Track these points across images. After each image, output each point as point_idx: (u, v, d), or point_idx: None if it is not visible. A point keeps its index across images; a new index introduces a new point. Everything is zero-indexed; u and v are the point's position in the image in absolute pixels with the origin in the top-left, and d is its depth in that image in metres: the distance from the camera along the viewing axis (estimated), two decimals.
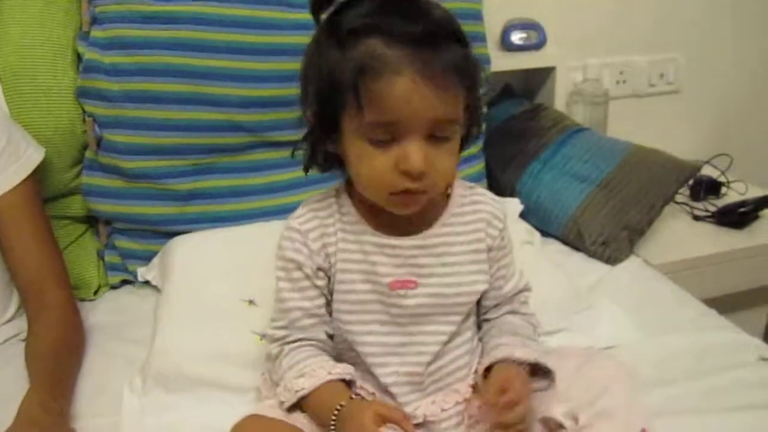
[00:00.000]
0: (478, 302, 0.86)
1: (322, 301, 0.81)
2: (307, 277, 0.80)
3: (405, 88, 0.67)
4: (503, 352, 0.80)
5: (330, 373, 0.77)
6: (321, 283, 0.80)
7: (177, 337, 0.99)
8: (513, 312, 0.88)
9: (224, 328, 0.99)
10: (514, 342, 0.82)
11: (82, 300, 1.19)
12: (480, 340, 0.88)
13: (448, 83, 0.68)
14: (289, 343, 0.81)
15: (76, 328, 1.03)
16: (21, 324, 1.06)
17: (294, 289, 0.80)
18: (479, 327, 0.89)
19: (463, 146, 0.79)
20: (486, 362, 0.81)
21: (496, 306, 0.87)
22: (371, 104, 0.68)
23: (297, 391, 0.76)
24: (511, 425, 0.73)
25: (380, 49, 0.68)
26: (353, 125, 0.71)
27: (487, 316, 0.88)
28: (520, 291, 0.89)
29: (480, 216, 0.83)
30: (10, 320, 1.09)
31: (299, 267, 0.80)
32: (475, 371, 0.83)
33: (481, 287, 0.83)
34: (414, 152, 0.69)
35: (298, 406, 0.78)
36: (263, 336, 0.93)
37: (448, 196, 0.83)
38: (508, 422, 0.73)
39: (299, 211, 0.82)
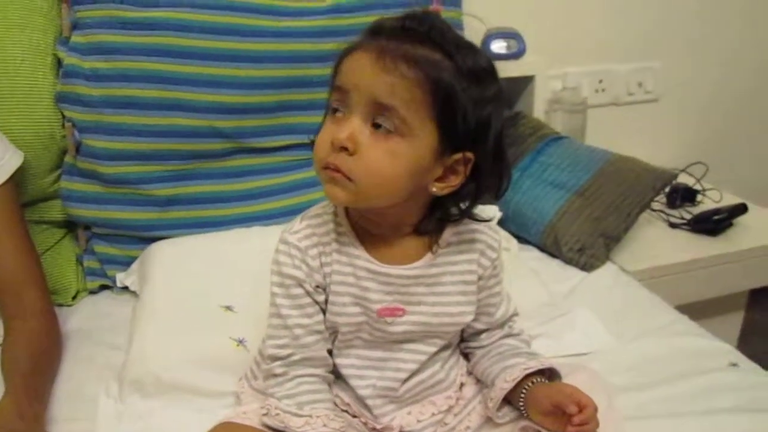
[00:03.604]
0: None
1: (320, 317, 0.79)
2: (307, 293, 0.78)
3: (354, 59, 0.70)
4: (520, 370, 0.80)
5: (325, 426, 0.75)
6: (320, 299, 0.78)
7: (154, 342, 0.99)
8: (507, 335, 0.88)
9: (202, 333, 0.99)
10: (524, 360, 0.82)
11: (60, 305, 1.19)
12: (470, 362, 0.89)
13: (394, 68, 0.67)
14: (294, 364, 0.78)
15: (53, 333, 1.03)
16: None
17: (293, 306, 0.78)
18: (467, 356, 0.90)
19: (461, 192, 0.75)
20: (507, 386, 0.80)
21: (487, 331, 0.88)
22: (336, 73, 0.72)
23: (289, 426, 0.75)
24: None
25: (369, 38, 0.71)
26: (329, 101, 0.73)
27: (482, 342, 0.88)
28: (510, 317, 0.89)
29: (475, 246, 0.82)
30: None
31: (299, 284, 0.77)
32: (490, 399, 0.82)
33: (468, 318, 0.83)
34: (345, 125, 0.69)
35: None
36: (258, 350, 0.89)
37: (440, 228, 0.79)
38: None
39: (297, 225, 0.79)
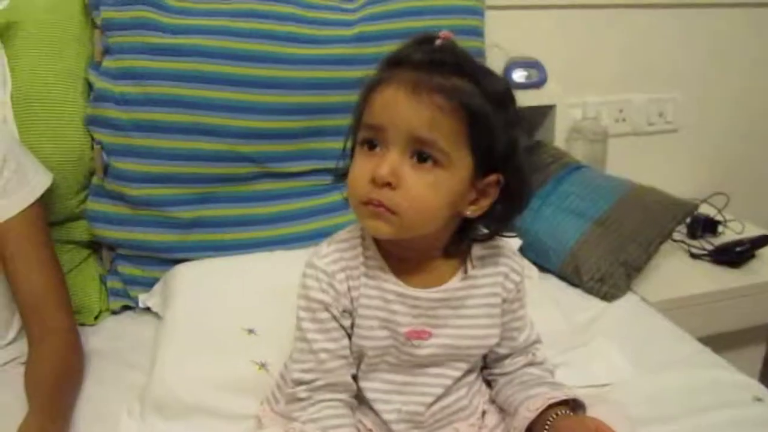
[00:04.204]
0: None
1: (346, 341, 0.79)
2: (334, 318, 0.78)
3: (387, 95, 0.71)
4: (543, 400, 0.80)
5: None
6: (347, 323, 0.79)
7: (176, 364, 0.99)
8: (531, 363, 0.88)
9: (223, 356, 1.00)
10: (548, 390, 0.83)
11: (83, 324, 1.20)
12: (492, 390, 0.89)
13: (431, 101, 0.69)
14: (318, 389, 0.78)
15: (76, 353, 1.04)
16: (21, 347, 1.06)
17: (320, 330, 0.78)
18: (488, 383, 0.90)
19: (494, 214, 0.77)
20: (530, 416, 0.80)
21: (509, 356, 0.88)
22: (366, 109, 0.73)
23: None
24: None
25: (395, 70, 0.72)
26: (359, 134, 0.75)
27: (505, 369, 0.88)
28: (533, 343, 0.89)
29: (499, 270, 0.83)
30: (10, 343, 1.10)
31: (326, 308, 0.78)
32: (514, 428, 0.82)
33: (493, 341, 0.84)
34: (385, 160, 0.70)
35: None
36: (292, 381, 0.86)
37: (467, 249, 0.82)
38: None
39: (324, 249, 0.80)
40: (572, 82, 1.64)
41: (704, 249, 1.51)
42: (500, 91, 0.73)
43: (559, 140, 1.59)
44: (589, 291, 1.30)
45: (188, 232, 1.24)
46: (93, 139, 1.21)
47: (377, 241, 0.80)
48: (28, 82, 1.17)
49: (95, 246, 1.29)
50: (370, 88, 0.73)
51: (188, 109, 1.20)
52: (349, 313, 0.79)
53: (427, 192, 0.71)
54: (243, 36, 1.23)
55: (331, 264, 0.78)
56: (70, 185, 1.20)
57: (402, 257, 0.79)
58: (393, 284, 0.79)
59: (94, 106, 1.20)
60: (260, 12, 1.25)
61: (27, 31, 1.19)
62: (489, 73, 0.74)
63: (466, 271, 0.81)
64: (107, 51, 1.21)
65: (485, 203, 0.75)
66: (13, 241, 1.02)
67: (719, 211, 1.63)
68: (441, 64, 0.71)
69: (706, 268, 1.48)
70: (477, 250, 0.82)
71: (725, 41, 1.82)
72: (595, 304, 1.28)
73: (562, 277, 1.36)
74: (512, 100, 0.75)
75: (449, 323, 0.81)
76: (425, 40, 0.74)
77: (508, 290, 0.84)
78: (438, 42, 0.73)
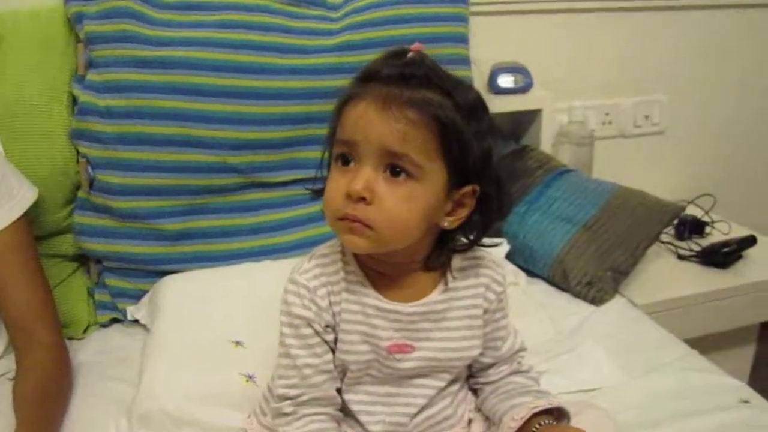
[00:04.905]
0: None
1: (329, 356, 0.79)
2: (317, 333, 0.78)
3: (359, 110, 0.71)
4: (527, 409, 0.80)
5: None
6: (330, 338, 0.79)
7: (164, 377, 0.99)
8: (515, 372, 0.89)
9: (211, 369, 1.00)
10: (532, 399, 0.83)
11: (71, 338, 1.19)
12: (478, 398, 0.89)
13: (401, 115, 0.69)
14: (303, 404, 0.79)
15: (64, 368, 1.04)
16: (10, 363, 1.06)
17: (303, 346, 0.78)
18: (474, 392, 0.90)
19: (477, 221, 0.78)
20: (514, 425, 0.80)
21: (494, 365, 0.88)
22: (339, 125, 0.73)
23: None
24: None
25: (366, 85, 0.72)
26: (333, 150, 0.75)
27: (490, 377, 0.88)
28: (517, 351, 0.89)
29: (480, 281, 0.83)
30: None
31: (309, 324, 0.78)
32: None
33: (475, 352, 0.84)
34: (359, 175, 0.70)
35: None
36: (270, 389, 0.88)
37: (447, 261, 0.81)
38: None
39: (306, 264, 0.80)
40: (558, 86, 1.64)
41: (691, 250, 1.52)
42: (471, 101, 0.73)
43: (546, 145, 1.60)
44: (577, 295, 1.31)
45: (175, 244, 1.24)
46: (78, 152, 1.21)
47: (357, 256, 0.80)
48: (12, 96, 1.17)
49: (82, 259, 1.28)
50: (342, 103, 0.74)
51: (173, 121, 1.20)
52: (332, 328, 0.79)
53: (402, 205, 0.71)
54: (228, 47, 1.23)
55: (312, 279, 0.78)
56: (56, 199, 1.20)
57: (382, 271, 0.79)
58: (373, 299, 0.79)
59: (79, 119, 1.20)
60: (244, 23, 1.25)
61: (11, 44, 1.19)
62: (459, 83, 0.74)
63: (446, 284, 0.81)
64: (91, 64, 1.21)
65: (462, 214, 0.76)
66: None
67: (706, 213, 1.64)
68: (411, 77, 0.71)
69: (694, 269, 1.49)
70: (457, 261, 0.82)
71: (711, 43, 1.83)
72: (583, 308, 1.28)
73: (550, 282, 1.36)
74: (485, 109, 0.75)
75: (431, 336, 0.81)
76: (397, 54, 0.74)
77: (490, 301, 0.84)
78: (409, 55, 0.73)
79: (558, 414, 0.82)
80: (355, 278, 0.79)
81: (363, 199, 0.70)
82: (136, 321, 1.22)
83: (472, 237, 0.79)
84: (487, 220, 0.78)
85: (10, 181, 1.06)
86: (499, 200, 0.77)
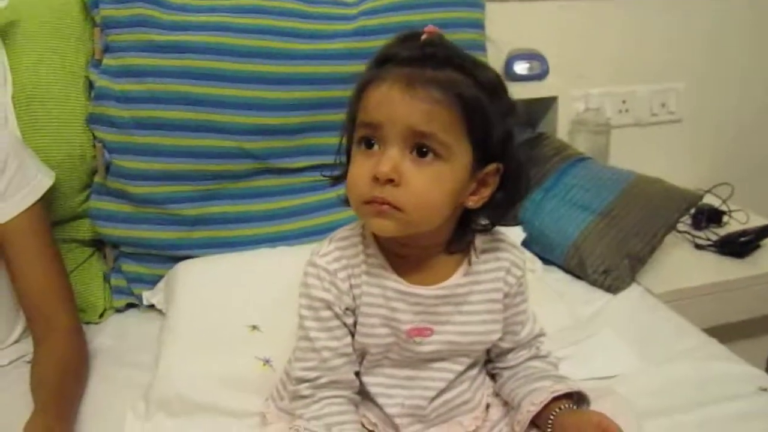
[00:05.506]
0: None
1: (349, 339, 0.79)
2: (336, 316, 0.78)
3: (382, 92, 0.71)
4: (547, 393, 0.80)
5: None
6: (349, 321, 0.79)
7: (180, 362, 0.99)
8: (534, 357, 0.88)
9: (227, 353, 1.00)
10: (552, 383, 0.82)
11: (87, 323, 1.20)
12: (496, 383, 0.89)
13: (426, 94, 0.69)
14: (321, 387, 0.79)
15: (81, 352, 1.04)
16: (26, 346, 1.07)
17: (322, 328, 0.78)
18: (492, 377, 0.90)
19: (498, 205, 0.77)
20: (534, 410, 0.80)
21: (513, 350, 0.88)
22: (361, 108, 0.73)
23: None
24: None
25: (387, 67, 0.72)
26: (356, 134, 0.74)
27: (508, 362, 0.88)
28: (536, 336, 0.89)
29: (500, 264, 0.83)
30: (15, 342, 1.11)
31: (328, 306, 0.78)
32: (517, 422, 0.82)
33: (495, 336, 0.84)
34: (385, 157, 0.70)
35: None
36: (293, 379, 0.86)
37: (469, 244, 0.81)
38: None
39: (325, 247, 0.80)
40: (574, 73, 1.63)
41: (709, 240, 1.51)
42: (493, 81, 0.73)
43: (562, 132, 1.59)
44: (594, 283, 1.30)
45: (191, 230, 1.24)
46: (94, 137, 1.21)
47: (378, 239, 0.79)
48: (29, 81, 1.17)
49: (98, 244, 1.29)
50: (363, 86, 0.73)
51: (189, 106, 1.19)
52: (352, 311, 0.79)
53: (431, 185, 0.70)
54: (244, 32, 1.23)
55: (332, 262, 0.78)
56: (73, 184, 1.21)
57: (403, 255, 0.79)
58: (394, 282, 0.78)
59: (95, 104, 1.20)
60: (261, 8, 1.25)
61: (27, 30, 1.19)
62: (479, 63, 0.74)
63: (469, 263, 0.81)
64: (107, 49, 1.21)
65: (486, 193, 0.76)
66: (16, 240, 1.03)
67: (724, 202, 1.62)
68: (432, 57, 0.71)
69: (711, 258, 1.48)
70: (478, 243, 0.82)
71: (728, 30, 1.81)
72: (599, 296, 1.27)
73: (567, 270, 1.35)
74: (504, 89, 0.75)
75: (451, 320, 0.80)
76: (410, 37, 0.74)
77: (510, 284, 0.83)
78: (424, 37, 0.73)
79: (578, 399, 0.82)
80: (375, 261, 0.79)
81: (391, 181, 0.69)
82: (152, 306, 1.22)
83: (494, 217, 0.79)
84: (510, 198, 0.77)
85: (28, 166, 1.06)
86: (521, 178, 0.77)
